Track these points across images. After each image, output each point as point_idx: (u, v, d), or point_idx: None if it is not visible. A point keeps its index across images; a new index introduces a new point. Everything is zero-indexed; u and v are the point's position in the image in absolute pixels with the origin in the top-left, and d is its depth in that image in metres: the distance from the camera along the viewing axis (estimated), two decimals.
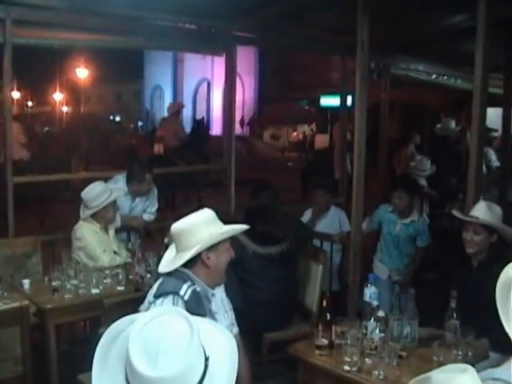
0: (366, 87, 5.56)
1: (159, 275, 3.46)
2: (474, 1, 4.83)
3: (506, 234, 4.62)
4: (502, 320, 2.48)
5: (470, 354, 3.76)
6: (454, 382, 1.85)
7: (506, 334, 2.76)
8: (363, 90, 5.54)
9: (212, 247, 3.35)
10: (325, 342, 3.92)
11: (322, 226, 7.03)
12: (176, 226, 3.41)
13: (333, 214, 7.16)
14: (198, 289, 3.29)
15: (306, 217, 7.13)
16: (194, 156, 14.01)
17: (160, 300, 3.20)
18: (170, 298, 3.17)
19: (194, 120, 23.59)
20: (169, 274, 3.36)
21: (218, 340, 2.01)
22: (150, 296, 3.31)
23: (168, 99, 44.65)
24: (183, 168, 12.19)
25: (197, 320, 1.95)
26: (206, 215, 3.42)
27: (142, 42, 7.16)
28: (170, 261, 3.44)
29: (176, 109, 15.50)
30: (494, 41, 6.36)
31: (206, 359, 1.88)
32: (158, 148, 15.30)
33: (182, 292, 3.17)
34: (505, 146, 8.49)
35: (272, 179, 11.80)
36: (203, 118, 24.23)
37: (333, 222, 7.10)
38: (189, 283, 3.26)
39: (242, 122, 36.75)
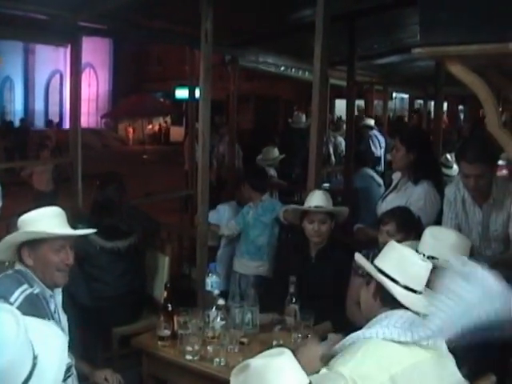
0: (210, 79, 5.60)
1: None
2: None
3: (342, 216, 4.79)
4: None
5: (309, 335, 3.91)
6: (272, 365, 1.93)
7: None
8: (207, 81, 5.57)
9: (32, 246, 3.17)
10: (167, 332, 3.95)
11: None
12: (19, 219, 3.25)
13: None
14: (37, 291, 3.12)
15: None
16: None
17: None
18: None
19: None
20: (8, 273, 3.19)
21: (48, 340, 2.00)
22: None
23: (19, 91, 43.01)
24: (27, 162, 11.77)
25: (27, 319, 1.91)
26: (46, 212, 3.27)
27: None
28: None
29: None
30: (338, 35, 6.58)
31: (35, 357, 1.86)
32: None
33: (12, 299, 2.99)
34: (349, 135, 8.81)
35: (125, 172, 11.63)
36: None
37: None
38: (24, 287, 3.08)
39: (104, 116, 36.10)
